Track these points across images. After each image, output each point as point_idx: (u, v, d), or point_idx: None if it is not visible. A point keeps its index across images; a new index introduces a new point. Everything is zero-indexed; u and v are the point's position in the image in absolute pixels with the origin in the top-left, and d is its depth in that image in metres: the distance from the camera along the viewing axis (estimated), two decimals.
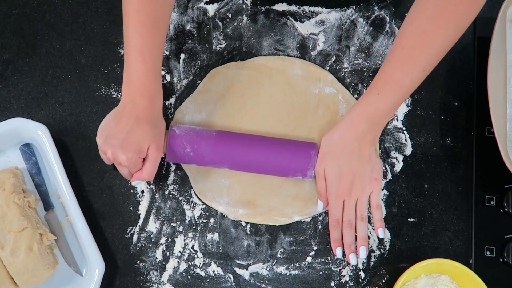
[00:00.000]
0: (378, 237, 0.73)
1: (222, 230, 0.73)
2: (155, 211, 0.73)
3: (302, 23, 0.81)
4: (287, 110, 0.76)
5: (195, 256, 0.72)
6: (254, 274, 0.72)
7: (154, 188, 0.74)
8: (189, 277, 0.71)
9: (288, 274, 0.72)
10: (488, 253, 0.72)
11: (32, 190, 0.72)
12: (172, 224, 0.73)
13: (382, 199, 0.75)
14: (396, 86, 0.64)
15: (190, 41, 0.80)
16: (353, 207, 0.69)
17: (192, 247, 0.72)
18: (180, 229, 0.73)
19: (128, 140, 0.63)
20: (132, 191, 0.74)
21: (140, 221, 0.73)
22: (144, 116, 0.64)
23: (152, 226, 0.73)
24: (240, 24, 0.81)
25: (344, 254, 0.70)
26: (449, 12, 0.60)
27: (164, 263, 0.72)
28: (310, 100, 0.77)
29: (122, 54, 0.79)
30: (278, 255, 0.72)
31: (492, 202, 0.74)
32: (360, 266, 0.72)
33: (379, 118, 0.66)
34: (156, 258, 0.72)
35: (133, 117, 0.63)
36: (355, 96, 0.78)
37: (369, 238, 0.73)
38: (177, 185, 0.74)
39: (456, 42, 0.63)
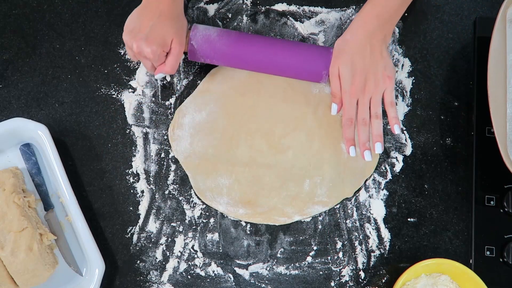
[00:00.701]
0: (378, 237, 0.73)
1: (222, 230, 0.73)
2: (155, 211, 0.73)
3: (302, 23, 0.81)
4: (287, 110, 0.76)
5: (195, 256, 0.72)
6: (254, 274, 0.72)
7: (154, 188, 0.74)
8: (189, 277, 0.71)
9: (288, 274, 0.72)
10: (488, 253, 0.72)
11: (32, 190, 0.72)
12: (172, 224, 0.73)
13: (382, 199, 0.75)
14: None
15: None
16: (367, 105, 0.70)
17: (192, 247, 0.72)
18: (180, 229, 0.73)
19: (152, 34, 0.66)
20: (132, 191, 0.74)
21: (140, 221, 0.73)
22: (167, 12, 0.67)
23: (152, 226, 0.73)
24: (240, 24, 0.81)
25: (356, 153, 0.71)
26: None
27: (164, 263, 0.72)
28: (311, 100, 0.77)
29: (122, 54, 0.79)
30: (278, 255, 0.73)
31: (492, 202, 0.74)
32: (360, 266, 0.72)
33: (389, 15, 0.69)
34: (156, 258, 0.72)
35: (157, 12, 0.67)
36: None
37: (369, 238, 0.73)
38: (177, 185, 0.74)
39: None
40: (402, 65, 0.79)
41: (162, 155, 0.75)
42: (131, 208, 0.73)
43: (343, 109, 0.71)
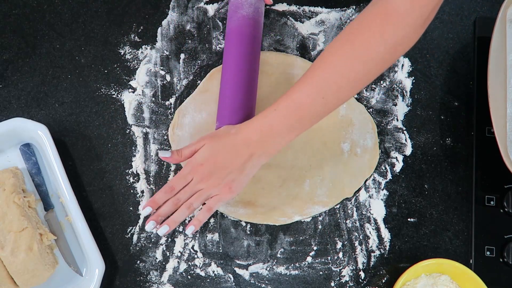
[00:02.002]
0: (378, 237, 0.73)
1: (222, 230, 0.73)
2: (155, 211, 0.73)
3: (302, 23, 0.81)
4: None
5: (195, 256, 0.72)
6: (254, 274, 0.72)
7: (154, 188, 0.74)
8: (189, 277, 0.71)
9: (288, 274, 0.72)
10: (488, 253, 0.72)
11: (32, 190, 0.72)
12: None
13: (382, 199, 0.75)
14: (291, 104, 0.62)
15: (190, 41, 0.80)
16: (192, 192, 0.66)
17: (192, 247, 0.72)
18: (180, 229, 0.73)
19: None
20: (132, 191, 0.74)
21: (140, 221, 0.73)
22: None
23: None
24: None
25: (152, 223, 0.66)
26: (358, 50, 0.59)
27: (164, 263, 0.72)
28: None
29: (122, 54, 0.79)
30: (278, 255, 0.73)
31: (492, 202, 0.74)
32: (360, 266, 0.72)
33: (272, 134, 0.63)
34: (156, 258, 0.72)
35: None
36: (355, 96, 0.78)
37: (369, 238, 0.73)
38: None
39: (364, 83, 0.61)
40: (402, 65, 0.79)
41: None
42: (131, 208, 0.73)
43: (176, 177, 0.66)
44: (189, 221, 0.71)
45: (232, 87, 0.71)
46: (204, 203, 0.67)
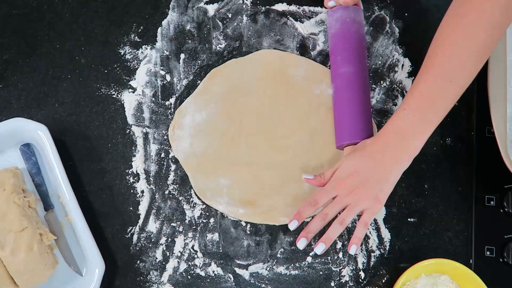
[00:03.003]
0: (378, 237, 0.73)
1: (222, 230, 0.73)
2: (155, 211, 0.73)
3: (302, 23, 0.81)
4: (289, 110, 0.76)
5: (195, 256, 0.72)
6: (254, 274, 0.72)
7: (154, 188, 0.74)
8: (189, 277, 0.71)
9: (288, 274, 0.72)
10: (488, 253, 0.72)
11: (32, 190, 0.72)
12: (172, 224, 0.73)
13: None
14: (422, 100, 0.61)
15: (190, 41, 0.80)
16: (341, 207, 0.65)
17: (192, 247, 0.72)
18: (180, 229, 0.73)
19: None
20: (132, 191, 0.74)
21: (140, 221, 0.73)
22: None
23: (152, 226, 0.73)
24: (240, 24, 0.81)
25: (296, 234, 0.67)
26: (473, 20, 0.58)
27: (164, 263, 0.72)
28: (313, 100, 0.77)
29: (122, 54, 0.79)
30: (278, 255, 0.72)
31: (492, 202, 0.74)
32: (360, 266, 0.72)
33: (408, 133, 0.63)
34: (156, 258, 0.72)
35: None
36: None
37: (369, 238, 0.73)
38: (177, 185, 0.74)
39: (487, 53, 0.61)
40: (402, 65, 0.79)
41: (162, 155, 0.75)
42: (131, 208, 0.73)
43: (319, 191, 0.66)
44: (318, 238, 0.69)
45: (348, 106, 0.72)
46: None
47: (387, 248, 0.73)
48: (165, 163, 0.75)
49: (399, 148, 0.63)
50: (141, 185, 0.74)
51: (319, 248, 0.65)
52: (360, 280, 0.72)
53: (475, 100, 0.78)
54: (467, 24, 0.58)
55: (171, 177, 0.75)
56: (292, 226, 0.66)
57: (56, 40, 0.79)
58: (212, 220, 0.73)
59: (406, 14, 0.81)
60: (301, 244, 0.65)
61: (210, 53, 0.79)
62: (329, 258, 0.72)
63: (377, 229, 0.74)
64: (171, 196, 0.74)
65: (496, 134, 0.69)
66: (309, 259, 0.72)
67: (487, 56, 0.60)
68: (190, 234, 0.73)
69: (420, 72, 0.62)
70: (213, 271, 0.72)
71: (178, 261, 0.72)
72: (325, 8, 0.78)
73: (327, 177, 0.67)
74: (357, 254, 0.72)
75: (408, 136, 0.63)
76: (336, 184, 0.65)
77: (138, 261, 0.72)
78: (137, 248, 0.72)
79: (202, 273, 0.72)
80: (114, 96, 0.77)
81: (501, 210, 0.74)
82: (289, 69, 0.78)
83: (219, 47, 0.80)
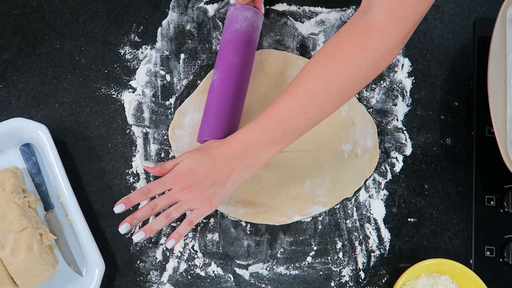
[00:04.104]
0: (378, 237, 0.73)
1: (222, 230, 0.73)
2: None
3: (302, 23, 0.81)
4: None
5: (195, 256, 0.72)
6: (254, 274, 0.72)
7: None
8: (189, 277, 0.71)
9: (288, 274, 0.72)
10: (488, 253, 0.72)
11: (32, 190, 0.72)
12: (172, 224, 0.73)
13: (382, 199, 0.75)
14: (276, 120, 0.62)
15: (190, 41, 0.80)
16: (171, 201, 0.66)
17: (192, 247, 0.72)
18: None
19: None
20: (132, 191, 0.74)
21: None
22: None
23: None
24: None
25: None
26: (339, 64, 0.59)
27: (164, 263, 0.72)
28: None
29: (122, 54, 0.79)
30: (278, 255, 0.73)
31: (492, 202, 0.74)
32: (360, 266, 0.72)
33: (255, 148, 0.63)
34: (156, 258, 0.72)
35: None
36: (356, 95, 0.78)
37: (369, 238, 0.73)
38: None
39: (348, 96, 0.61)
40: (402, 65, 0.80)
41: (162, 155, 0.75)
42: (131, 208, 0.73)
43: (155, 182, 0.66)
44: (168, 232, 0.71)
45: (217, 103, 0.71)
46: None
47: (387, 248, 0.73)
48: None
49: (243, 158, 0.64)
50: (141, 185, 0.74)
51: (138, 236, 0.65)
52: (360, 280, 0.72)
53: (475, 100, 0.78)
54: (333, 66, 0.59)
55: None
56: (118, 210, 0.65)
57: (56, 40, 0.79)
58: (212, 220, 0.73)
59: None
60: (123, 228, 0.65)
61: (210, 53, 0.79)
62: (329, 258, 0.72)
63: (377, 229, 0.74)
64: None
65: (496, 134, 0.69)
66: (309, 259, 0.72)
67: (346, 99, 0.62)
68: (190, 234, 0.73)
69: (284, 92, 0.62)
70: (213, 271, 0.72)
71: (178, 261, 0.72)
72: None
73: (168, 168, 0.67)
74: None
75: (254, 150, 0.64)
76: (172, 178, 0.65)
77: (138, 261, 0.72)
78: (137, 248, 0.72)
79: (202, 273, 0.72)
80: (114, 96, 0.77)
81: (501, 210, 0.74)
82: (289, 69, 0.78)
83: (219, 47, 0.79)
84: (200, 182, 0.65)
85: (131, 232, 0.72)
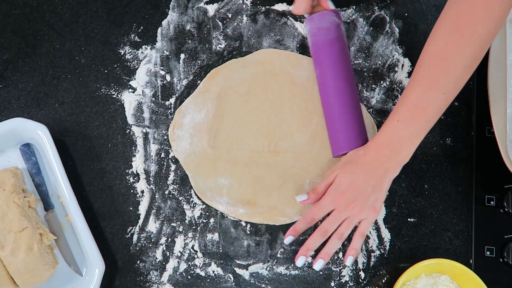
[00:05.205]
0: (378, 237, 0.73)
1: (222, 230, 0.73)
2: (155, 211, 0.73)
3: (302, 23, 0.81)
4: (290, 111, 0.76)
5: (195, 256, 0.72)
6: (254, 274, 0.72)
7: (154, 188, 0.74)
8: (189, 277, 0.71)
9: (288, 274, 0.72)
10: (488, 253, 0.72)
11: (32, 190, 0.72)
12: (172, 224, 0.73)
13: None
14: (415, 111, 0.62)
15: (190, 41, 0.80)
16: (339, 221, 0.66)
17: (192, 247, 0.72)
18: (180, 229, 0.73)
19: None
20: (132, 191, 0.74)
21: (140, 221, 0.73)
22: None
23: (152, 226, 0.73)
24: (240, 24, 0.81)
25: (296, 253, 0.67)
26: (465, 30, 0.59)
27: (164, 263, 0.72)
28: (315, 101, 0.77)
29: (122, 54, 0.79)
30: (278, 255, 0.72)
31: (492, 202, 0.74)
32: (360, 266, 0.72)
33: (401, 143, 0.64)
34: (156, 258, 0.72)
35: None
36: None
37: (368, 238, 0.73)
38: (177, 185, 0.74)
39: (477, 61, 0.61)
40: (402, 65, 0.79)
41: (162, 155, 0.75)
42: (131, 208, 0.73)
43: (314, 207, 0.67)
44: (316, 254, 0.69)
45: (341, 113, 0.71)
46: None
47: (387, 248, 0.73)
48: (165, 163, 0.75)
49: (392, 158, 0.64)
50: (141, 185, 0.74)
51: (318, 264, 0.66)
52: (360, 280, 0.72)
53: (475, 100, 0.78)
54: (462, 39, 0.59)
55: (171, 177, 0.75)
56: (288, 241, 0.67)
57: (56, 40, 0.79)
58: (212, 220, 0.73)
59: (406, 14, 0.81)
60: (299, 262, 0.66)
61: (210, 53, 0.79)
62: None
63: (377, 229, 0.74)
64: (171, 196, 0.74)
65: (496, 134, 0.69)
66: (309, 259, 0.72)
67: (475, 67, 0.62)
68: (190, 234, 0.73)
69: (411, 82, 0.63)
70: (213, 271, 0.72)
71: (178, 261, 0.72)
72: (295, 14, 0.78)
73: (321, 191, 0.67)
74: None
75: (401, 146, 0.64)
76: (333, 200, 0.66)
77: (138, 261, 0.72)
78: (137, 248, 0.72)
79: (202, 273, 0.72)
80: (114, 96, 0.77)
81: (501, 210, 0.74)
82: (291, 69, 0.78)
83: (219, 47, 0.80)
84: (361, 194, 0.65)
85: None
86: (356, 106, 0.72)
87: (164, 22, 0.80)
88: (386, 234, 0.74)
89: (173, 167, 0.75)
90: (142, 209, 0.73)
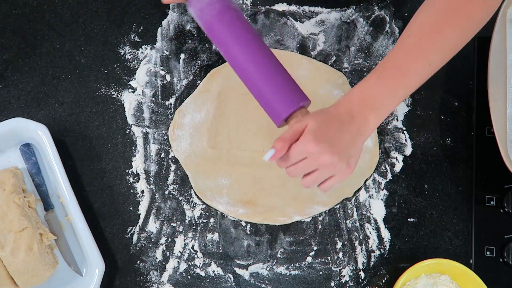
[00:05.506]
0: (378, 238, 0.73)
1: (222, 230, 0.73)
2: (155, 211, 0.73)
3: (302, 23, 0.81)
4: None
5: (195, 256, 0.72)
6: (254, 274, 0.72)
7: (154, 188, 0.74)
8: (189, 277, 0.71)
9: (288, 274, 0.72)
10: (488, 253, 0.72)
11: (32, 190, 0.72)
12: (172, 224, 0.73)
13: (382, 199, 0.75)
14: (397, 72, 0.59)
15: (190, 41, 0.80)
16: (308, 170, 0.59)
17: (192, 247, 0.72)
18: (180, 229, 0.73)
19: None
20: (132, 191, 0.74)
21: (140, 221, 0.73)
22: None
23: (152, 226, 0.73)
24: None
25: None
26: (462, 9, 0.59)
27: (164, 263, 0.72)
28: (316, 101, 0.76)
29: (122, 54, 0.79)
30: (278, 255, 0.72)
31: (492, 202, 0.74)
32: (360, 266, 0.72)
33: (377, 103, 0.59)
34: (156, 258, 0.72)
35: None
36: None
37: (369, 238, 0.73)
38: (177, 185, 0.74)
39: (465, 42, 0.62)
40: None
41: (162, 155, 0.75)
42: (131, 208, 0.73)
43: (284, 157, 0.59)
44: None
45: (267, 78, 0.64)
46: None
47: (387, 248, 0.73)
48: (165, 163, 0.75)
49: (364, 116, 0.59)
50: (141, 185, 0.74)
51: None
52: (360, 280, 0.72)
53: (475, 100, 0.78)
54: (458, 17, 0.60)
55: (171, 177, 0.75)
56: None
57: (56, 40, 0.79)
58: (212, 220, 0.73)
59: (406, 14, 0.81)
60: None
61: (210, 53, 0.79)
62: (329, 258, 0.72)
63: (377, 229, 0.74)
64: (171, 196, 0.74)
65: (496, 134, 0.69)
66: (309, 259, 0.72)
67: (461, 47, 0.63)
68: (190, 234, 0.73)
69: (399, 45, 0.60)
70: (213, 271, 0.72)
71: (178, 261, 0.72)
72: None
73: (288, 140, 0.59)
74: (356, 255, 0.72)
75: (375, 104, 0.59)
76: (304, 147, 0.58)
77: (138, 261, 0.72)
78: (137, 248, 0.72)
79: (202, 273, 0.72)
80: (114, 96, 0.77)
81: (501, 210, 0.74)
82: (291, 69, 0.78)
83: None
84: (332, 148, 0.57)
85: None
86: (276, 63, 0.65)
87: (164, 22, 0.80)
88: (386, 234, 0.74)
89: (173, 167, 0.75)
90: (142, 209, 0.73)
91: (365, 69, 0.79)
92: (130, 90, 0.78)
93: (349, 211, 0.74)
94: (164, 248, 0.72)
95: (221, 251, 0.72)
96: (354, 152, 0.59)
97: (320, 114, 0.59)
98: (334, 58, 0.79)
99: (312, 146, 0.57)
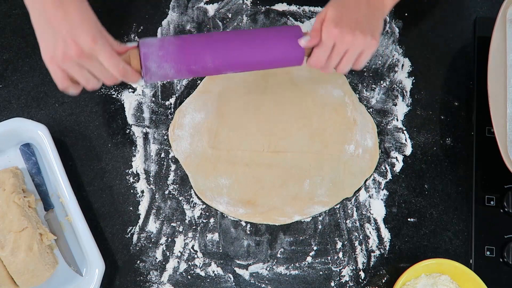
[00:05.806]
0: (378, 238, 0.73)
1: (222, 230, 0.73)
2: (155, 211, 0.73)
3: (302, 23, 0.81)
4: (291, 111, 0.76)
5: (195, 256, 0.72)
6: (254, 274, 0.72)
7: (154, 188, 0.74)
8: (189, 277, 0.71)
9: (288, 274, 0.72)
10: (488, 253, 0.72)
11: (32, 190, 0.72)
12: (172, 224, 0.73)
13: (382, 199, 0.75)
14: None
15: None
16: (340, 55, 0.62)
17: (192, 247, 0.72)
18: (180, 229, 0.73)
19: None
20: (132, 191, 0.74)
21: (140, 221, 0.73)
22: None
23: (152, 226, 0.73)
24: (240, 24, 0.80)
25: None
26: None
27: (164, 263, 0.72)
28: (316, 101, 0.77)
29: None
30: (278, 255, 0.73)
31: (492, 202, 0.74)
32: (360, 266, 0.72)
33: None
34: (156, 258, 0.72)
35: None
36: (357, 96, 0.78)
37: (369, 238, 0.73)
38: (177, 185, 0.74)
39: None
40: (402, 65, 0.79)
41: (162, 155, 0.75)
42: (131, 208, 0.73)
43: (315, 49, 0.62)
44: None
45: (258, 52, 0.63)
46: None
47: (387, 248, 0.73)
48: (165, 163, 0.75)
49: None
50: (141, 185, 0.74)
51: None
52: (360, 280, 0.72)
53: (475, 100, 0.78)
54: None
55: (171, 177, 0.75)
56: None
57: None
58: (212, 220, 0.73)
59: (406, 14, 0.81)
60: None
61: None
62: (329, 258, 0.72)
63: (377, 229, 0.74)
64: (171, 196, 0.74)
65: (496, 134, 0.69)
66: (309, 259, 0.72)
67: None
68: (190, 234, 0.73)
69: None
70: (213, 271, 0.72)
71: (178, 261, 0.72)
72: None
73: (317, 28, 0.62)
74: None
75: None
76: (329, 33, 0.60)
77: (138, 261, 0.72)
78: (137, 248, 0.72)
79: (202, 273, 0.72)
80: (114, 96, 0.77)
81: (501, 210, 0.74)
82: (291, 69, 0.78)
83: None
84: (358, 24, 0.60)
85: None
86: (252, 31, 0.66)
87: (164, 22, 0.80)
88: (386, 234, 0.74)
89: (173, 167, 0.75)
90: (142, 209, 0.73)
91: (365, 69, 0.79)
92: (130, 90, 0.78)
93: (349, 211, 0.74)
94: (164, 248, 0.72)
95: (221, 251, 0.72)
96: (376, 25, 0.63)
97: (336, 1, 0.62)
98: None
99: (334, 30, 0.60)
